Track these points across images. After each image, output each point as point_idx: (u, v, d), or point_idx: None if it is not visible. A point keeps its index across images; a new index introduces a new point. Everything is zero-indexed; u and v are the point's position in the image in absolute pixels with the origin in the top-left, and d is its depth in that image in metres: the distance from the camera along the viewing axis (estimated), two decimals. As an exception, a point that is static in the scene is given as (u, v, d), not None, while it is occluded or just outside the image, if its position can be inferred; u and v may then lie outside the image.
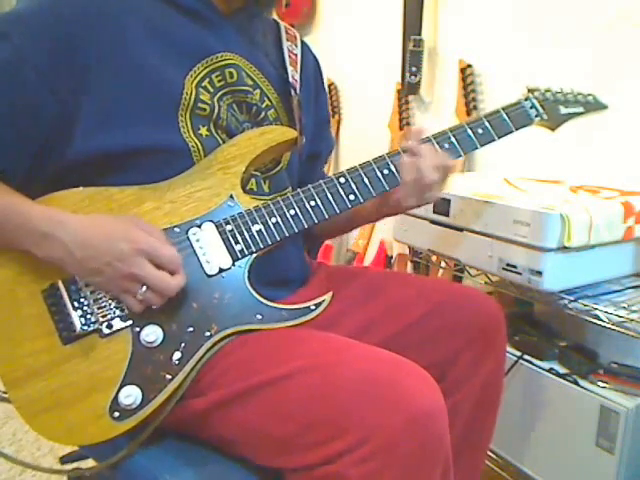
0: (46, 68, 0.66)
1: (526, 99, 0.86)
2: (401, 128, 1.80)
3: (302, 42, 0.93)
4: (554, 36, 1.35)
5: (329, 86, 2.12)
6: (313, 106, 0.92)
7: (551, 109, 0.87)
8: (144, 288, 0.63)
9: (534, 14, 1.40)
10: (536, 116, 0.86)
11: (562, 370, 1.07)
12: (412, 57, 1.65)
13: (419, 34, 1.65)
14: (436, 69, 1.71)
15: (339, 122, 2.16)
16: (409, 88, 1.70)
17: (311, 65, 0.94)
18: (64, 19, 0.67)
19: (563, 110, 0.89)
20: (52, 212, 0.66)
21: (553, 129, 0.89)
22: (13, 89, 0.66)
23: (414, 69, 1.66)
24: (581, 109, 0.92)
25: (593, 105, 0.93)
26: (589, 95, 0.94)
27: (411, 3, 1.66)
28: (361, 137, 2.04)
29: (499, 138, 0.82)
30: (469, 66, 1.55)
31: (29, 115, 0.67)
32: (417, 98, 1.79)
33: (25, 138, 0.68)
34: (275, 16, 0.91)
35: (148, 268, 0.63)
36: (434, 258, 1.33)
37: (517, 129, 0.84)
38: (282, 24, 0.91)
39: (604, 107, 0.94)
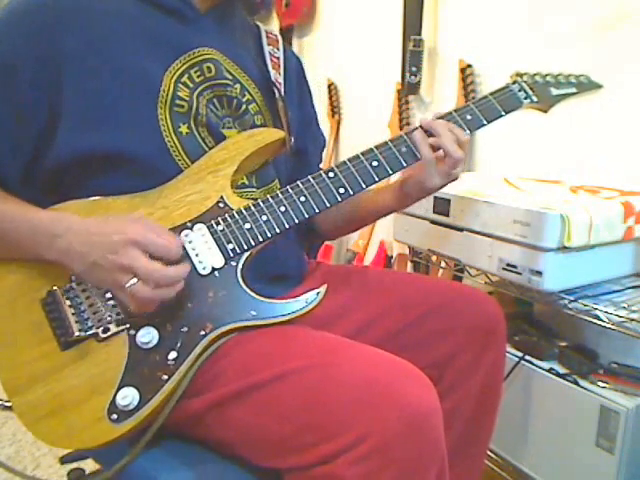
0: (34, 72, 0.68)
1: (514, 82, 0.86)
2: (401, 128, 1.80)
3: (284, 45, 0.94)
4: (554, 36, 1.35)
5: (329, 86, 2.12)
6: (297, 105, 0.93)
7: (541, 91, 0.87)
8: (134, 280, 0.62)
9: (534, 14, 1.40)
10: (525, 98, 0.85)
11: (562, 370, 1.07)
12: (412, 57, 1.65)
13: (419, 34, 1.65)
14: (436, 69, 1.71)
15: (339, 122, 2.16)
16: (409, 88, 1.70)
17: (294, 65, 0.95)
18: (47, 23, 0.69)
19: (554, 91, 0.88)
20: (60, 215, 0.68)
21: (545, 111, 0.89)
22: (6, 94, 0.68)
23: (414, 69, 1.66)
24: (573, 89, 0.91)
25: (586, 85, 0.92)
26: (581, 76, 0.93)
27: (411, 3, 1.66)
28: (361, 137, 2.04)
29: (489, 122, 0.82)
30: (469, 66, 1.55)
31: (24, 117, 0.69)
32: (417, 98, 1.79)
33: (21, 140, 0.70)
34: (275, 16, 0.91)
35: (140, 258, 0.62)
36: (434, 258, 1.33)
37: (507, 112, 0.83)
38: (263, 28, 0.93)
39: (598, 86, 0.93)
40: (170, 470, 0.66)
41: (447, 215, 1.12)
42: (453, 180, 0.81)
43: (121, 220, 0.66)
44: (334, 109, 2.14)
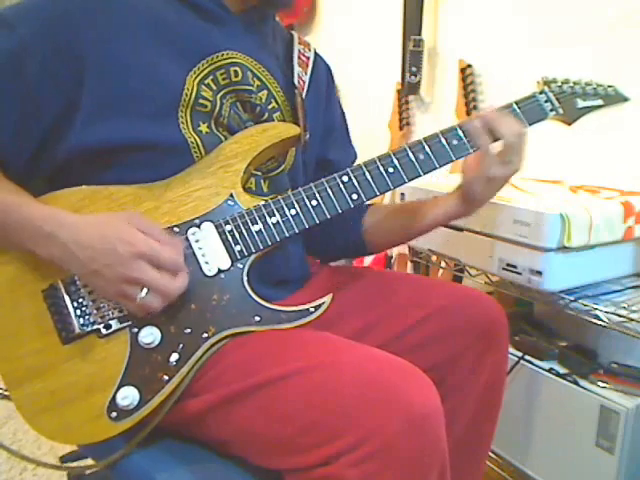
0: (50, 60, 0.66)
1: (541, 92, 0.80)
2: (401, 128, 1.80)
3: (315, 52, 0.93)
4: (554, 36, 1.35)
5: (329, 86, 2.12)
6: (323, 111, 0.91)
7: (567, 102, 0.82)
8: (144, 292, 0.62)
9: (534, 14, 1.40)
10: (551, 110, 0.80)
11: (562, 370, 1.07)
12: (412, 57, 1.65)
13: (419, 34, 1.65)
14: (436, 69, 1.71)
15: (339, 122, 2.16)
16: (409, 88, 1.70)
17: (323, 72, 0.93)
18: (70, 12, 0.67)
19: (580, 103, 0.83)
20: (53, 212, 0.66)
21: (569, 124, 0.84)
22: (17, 79, 0.66)
23: (414, 69, 1.66)
24: (600, 102, 0.85)
25: (613, 97, 0.87)
26: (609, 87, 0.88)
27: (411, 3, 1.66)
28: (361, 137, 2.04)
29: None
30: (469, 66, 1.55)
31: (32, 104, 0.67)
32: (417, 98, 1.79)
33: (27, 128, 0.69)
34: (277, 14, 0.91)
35: (149, 271, 0.62)
36: (434, 258, 1.33)
37: (531, 124, 0.79)
38: (296, 35, 0.92)
39: (625, 99, 0.88)
40: (168, 469, 0.66)
41: (447, 215, 1.11)
42: (514, 171, 0.76)
43: (121, 224, 0.64)
44: (334, 109, 2.14)
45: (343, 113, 1.00)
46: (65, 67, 0.67)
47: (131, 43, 0.69)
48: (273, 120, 0.81)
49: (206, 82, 0.74)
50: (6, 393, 0.67)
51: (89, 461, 0.76)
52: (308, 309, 0.70)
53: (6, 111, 0.67)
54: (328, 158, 0.93)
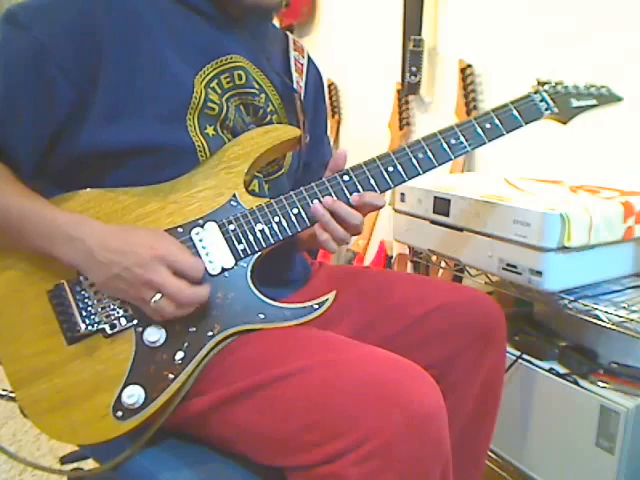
0: (66, 61, 0.66)
1: (536, 92, 0.84)
2: (401, 128, 1.80)
3: (308, 56, 0.94)
4: (554, 36, 1.35)
5: (329, 86, 2.12)
6: (311, 118, 0.92)
7: (562, 102, 0.85)
8: (158, 296, 0.63)
9: (534, 14, 1.40)
10: (546, 109, 0.83)
11: (562, 370, 1.07)
12: (412, 57, 1.65)
13: (419, 34, 1.65)
14: (436, 69, 1.71)
15: (339, 122, 2.16)
16: (409, 88, 1.70)
17: (313, 79, 0.94)
18: (89, 12, 0.67)
19: (575, 103, 0.86)
20: (81, 217, 0.67)
21: (565, 122, 0.87)
22: (33, 78, 0.66)
23: (414, 69, 1.66)
24: (594, 101, 0.89)
25: (607, 97, 0.90)
26: (602, 87, 0.91)
27: (411, 3, 1.66)
28: (361, 137, 2.05)
29: (508, 133, 0.80)
30: (469, 66, 1.55)
31: (47, 104, 0.67)
32: (417, 98, 1.79)
33: (40, 127, 0.69)
34: (275, 17, 0.91)
35: (165, 275, 0.63)
36: (434, 258, 1.33)
37: (527, 123, 0.81)
38: (291, 36, 0.93)
39: (619, 99, 0.91)
40: (172, 469, 0.66)
41: (447, 215, 1.12)
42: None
43: (148, 233, 0.67)
44: (334, 109, 2.14)
45: (327, 117, 1.01)
46: (82, 66, 0.67)
47: (147, 45, 0.70)
48: (273, 122, 0.81)
49: (212, 85, 0.74)
50: (11, 395, 0.67)
51: (89, 462, 0.76)
52: (312, 306, 0.71)
53: (22, 110, 0.67)
54: (308, 163, 0.93)
